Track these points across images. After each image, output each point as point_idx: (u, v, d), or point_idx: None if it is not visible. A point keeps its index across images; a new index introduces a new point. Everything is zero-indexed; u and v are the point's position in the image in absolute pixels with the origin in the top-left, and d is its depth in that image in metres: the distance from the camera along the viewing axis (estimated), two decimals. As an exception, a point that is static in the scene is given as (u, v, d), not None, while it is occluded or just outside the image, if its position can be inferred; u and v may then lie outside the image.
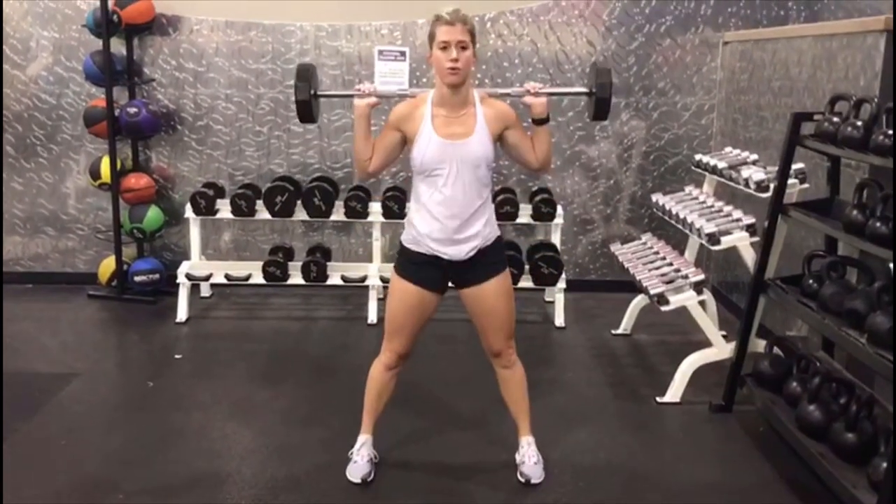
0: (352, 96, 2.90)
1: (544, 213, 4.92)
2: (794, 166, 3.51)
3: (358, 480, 2.98)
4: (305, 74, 3.01)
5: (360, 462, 3.03)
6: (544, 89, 2.86)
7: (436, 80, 2.77)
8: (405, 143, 2.85)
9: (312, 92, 2.99)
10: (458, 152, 2.75)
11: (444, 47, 2.66)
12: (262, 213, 4.89)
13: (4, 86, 5.19)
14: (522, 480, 3.02)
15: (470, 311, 2.97)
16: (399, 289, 2.91)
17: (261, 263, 4.87)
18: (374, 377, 3.01)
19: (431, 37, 2.72)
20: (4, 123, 5.24)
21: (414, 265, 2.87)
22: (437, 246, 2.82)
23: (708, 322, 3.86)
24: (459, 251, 2.82)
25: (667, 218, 4.27)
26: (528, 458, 3.05)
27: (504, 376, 3.05)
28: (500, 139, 2.87)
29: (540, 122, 2.88)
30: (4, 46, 5.15)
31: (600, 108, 2.96)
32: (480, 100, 2.83)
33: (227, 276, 4.90)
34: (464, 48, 2.66)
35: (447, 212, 2.78)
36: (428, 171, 2.78)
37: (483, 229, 2.84)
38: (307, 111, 3.02)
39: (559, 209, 4.98)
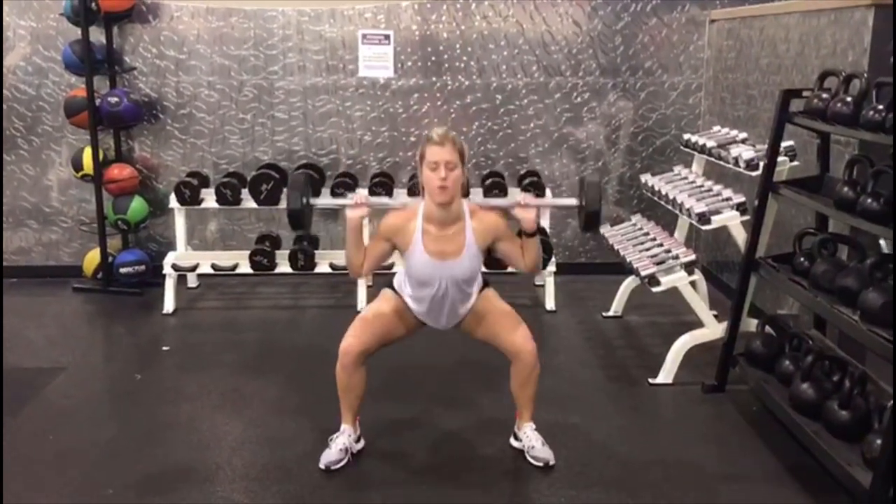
0: (344, 206, 2.92)
1: (538, 230, 4.87)
2: (784, 144, 3.49)
3: (321, 466, 2.97)
4: (298, 185, 2.97)
5: (332, 449, 3.01)
6: (534, 201, 2.87)
7: (426, 197, 2.83)
8: (395, 249, 2.95)
9: (305, 201, 2.95)
10: (448, 271, 2.86)
11: (434, 168, 2.74)
12: (248, 202, 4.84)
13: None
14: (540, 464, 3.00)
15: (477, 332, 3.05)
16: (387, 299, 3.04)
17: (248, 253, 4.82)
18: (337, 374, 2.99)
19: (422, 157, 2.80)
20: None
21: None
22: (424, 318, 3.03)
23: (699, 302, 3.85)
24: (447, 325, 3.05)
25: (656, 198, 4.25)
26: (537, 442, 3.04)
27: (525, 373, 2.98)
28: (489, 247, 2.95)
29: (529, 234, 2.90)
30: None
31: (590, 220, 2.93)
32: (471, 213, 2.89)
33: (213, 267, 4.85)
34: (452, 168, 2.74)
35: (436, 309, 2.96)
36: (418, 281, 2.91)
37: (470, 304, 3.01)
38: (299, 220, 2.99)
39: (548, 192, 4.95)
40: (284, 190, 4.76)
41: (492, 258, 3.31)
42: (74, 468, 3.02)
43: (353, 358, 2.92)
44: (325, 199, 4.57)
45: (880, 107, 2.72)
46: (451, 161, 2.73)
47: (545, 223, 4.98)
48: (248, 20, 5.14)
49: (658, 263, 3.77)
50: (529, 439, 3.06)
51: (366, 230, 3.02)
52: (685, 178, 4.24)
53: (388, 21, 5.15)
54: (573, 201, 3.02)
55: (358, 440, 3.10)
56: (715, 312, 4.01)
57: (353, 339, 2.93)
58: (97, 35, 4.99)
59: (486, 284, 3.08)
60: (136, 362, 4.10)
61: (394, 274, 3.15)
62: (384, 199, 3.25)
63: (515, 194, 2.91)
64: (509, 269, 4.69)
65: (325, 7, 5.14)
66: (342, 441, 3.02)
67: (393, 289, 3.06)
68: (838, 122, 2.98)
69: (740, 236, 3.72)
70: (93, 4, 4.74)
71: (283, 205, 4.82)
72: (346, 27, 5.16)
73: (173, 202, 4.85)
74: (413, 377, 3.79)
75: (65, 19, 4.85)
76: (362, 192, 2.97)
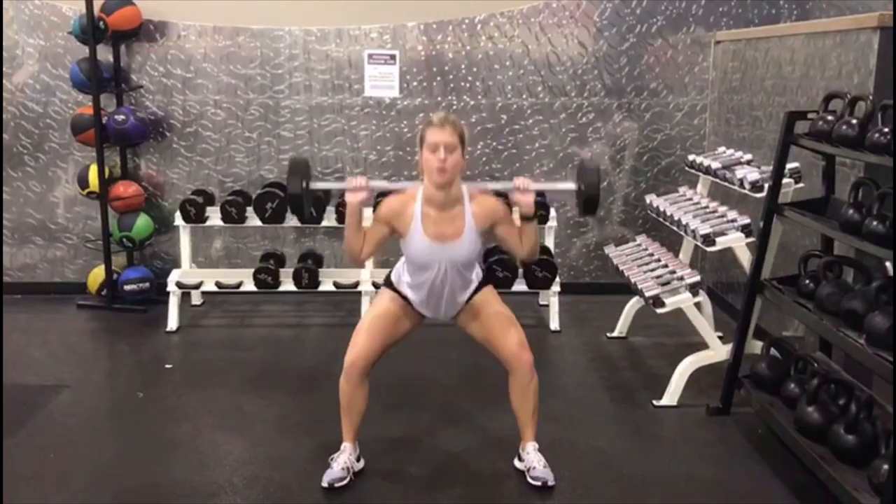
0: (343, 190, 2.92)
1: (537, 215, 4.87)
2: (789, 165, 3.48)
3: (325, 484, 2.95)
4: (298, 168, 3.00)
5: (334, 468, 2.99)
6: (532, 186, 2.87)
7: (425, 179, 2.83)
8: (394, 233, 2.94)
9: (305, 185, 2.97)
10: (447, 254, 2.86)
11: (434, 149, 2.74)
12: (253, 220, 4.84)
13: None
14: (538, 484, 2.97)
15: (471, 329, 3.04)
16: (385, 297, 3.02)
17: (252, 270, 4.81)
18: (341, 389, 3.00)
19: (422, 139, 2.81)
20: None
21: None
22: (423, 309, 3.01)
23: (704, 324, 3.83)
24: (446, 315, 3.03)
25: (661, 219, 4.24)
26: (538, 463, 3.01)
27: (522, 384, 2.99)
28: (488, 232, 2.94)
29: (527, 218, 2.91)
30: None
31: (589, 204, 2.94)
32: (470, 196, 2.89)
33: (217, 284, 4.85)
34: (452, 151, 2.74)
35: (435, 295, 2.94)
36: (417, 265, 2.90)
37: (469, 292, 2.99)
38: (299, 205, 3.01)
39: (552, 211, 4.95)
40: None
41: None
42: (75, 486, 3.01)
43: (360, 369, 2.92)
44: (324, 183, 4.51)
45: (885, 129, 2.71)
46: (450, 143, 2.74)
47: (549, 242, 4.97)
48: (254, 39, 5.18)
49: (663, 284, 3.75)
50: (530, 460, 3.03)
51: (367, 222, 2.99)
52: (690, 199, 4.23)
53: (394, 41, 5.18)
54: (572, 185, 3.01)
55: (358, 459, 3.08)
56: (720, 334, 3.99)
57: (356, 350, 2.94)
58: (105, 53, 5.02)
59: (487, 281, 3.06)
60: (138, 380, 4.09)
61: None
62: (383, 183, 3.24)
63: (514, 180, 2.88)
64: (513, 289, 4.69)
65: (331, 27, 5.17)
66: (344, 459, 3.01)
67: (390, 283, 3.04)
68: (843, 145, 2.97)
69: (745, 258, 3.70)
70: (101, 23, 4.78)
71: (287, 223, 4.87)
72: (352, 47, 5.19)
73: (178, 220, 4.86)
74: (413, 395, 3.78)
75: (73, 38, 4.88)
76: (362, 178, 2.90)
